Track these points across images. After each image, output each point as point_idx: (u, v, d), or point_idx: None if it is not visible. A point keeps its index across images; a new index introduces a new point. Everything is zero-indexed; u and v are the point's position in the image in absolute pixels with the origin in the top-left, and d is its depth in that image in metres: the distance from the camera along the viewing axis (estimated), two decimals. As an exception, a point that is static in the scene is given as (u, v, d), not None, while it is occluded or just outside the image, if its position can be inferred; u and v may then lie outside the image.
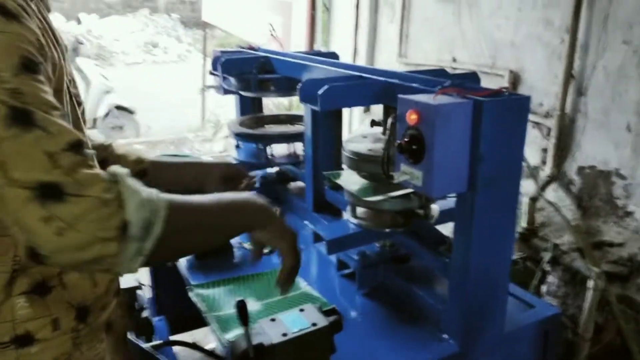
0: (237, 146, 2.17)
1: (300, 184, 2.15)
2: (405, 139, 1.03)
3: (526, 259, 1.97)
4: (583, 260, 1.90)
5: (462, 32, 2.60)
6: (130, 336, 1.22)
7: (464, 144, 1.03)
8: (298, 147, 2.10)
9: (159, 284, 2.28)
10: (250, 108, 2.36)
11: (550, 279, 2.11)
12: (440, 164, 1.00)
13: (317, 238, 1.42)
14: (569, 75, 2.06)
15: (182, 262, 1.63)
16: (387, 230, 1.39)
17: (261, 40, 2.28)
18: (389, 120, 1.05)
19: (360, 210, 1.43)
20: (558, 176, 2.18)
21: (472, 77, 1.38)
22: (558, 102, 2.08)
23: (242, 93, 2.01)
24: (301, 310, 1.07)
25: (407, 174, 1.05)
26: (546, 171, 2.20)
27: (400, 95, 1.06)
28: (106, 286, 0.86)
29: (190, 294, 1.39)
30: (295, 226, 1.85)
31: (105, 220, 0.66)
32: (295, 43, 4.02)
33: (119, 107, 7.23)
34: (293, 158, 1.99)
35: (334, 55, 2.05)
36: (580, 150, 2.08)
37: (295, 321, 1.03)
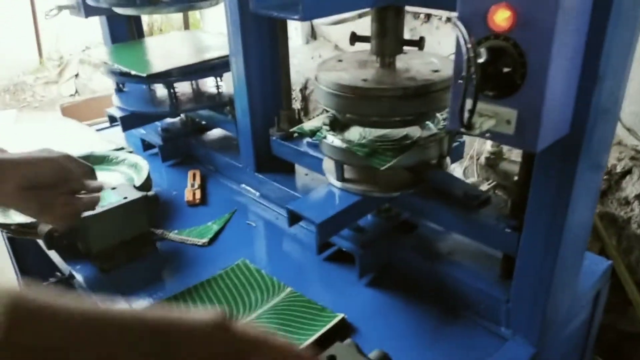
0: (120, 89, 1.56)
1: (217, 132, 1.62)
2: (486, 58, 0.60)
3: (496, 187, 1.71)
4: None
5: None
6: None
7: (577, 57, 0.63)
8: (202, 85, 1.56)
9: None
10: (125, 33, 1.71)
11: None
12: (551, 96, 0.60)
13: (294, 219, 0.96)
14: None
15: (78, 277, 1.08)
16: (397, 193, 0.97)
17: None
18: (460, 28, 0.60)
19: (350, 170, 1.00)
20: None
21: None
22: None
23: (118, 10, 1.37)
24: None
25: (490, 117, 0.63)
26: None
27: (469, -19, 0.61)
28: None
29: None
30: (229, 194, 1.38)
31: None
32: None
33: None
34: (210, 99, 1.45)
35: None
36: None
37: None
